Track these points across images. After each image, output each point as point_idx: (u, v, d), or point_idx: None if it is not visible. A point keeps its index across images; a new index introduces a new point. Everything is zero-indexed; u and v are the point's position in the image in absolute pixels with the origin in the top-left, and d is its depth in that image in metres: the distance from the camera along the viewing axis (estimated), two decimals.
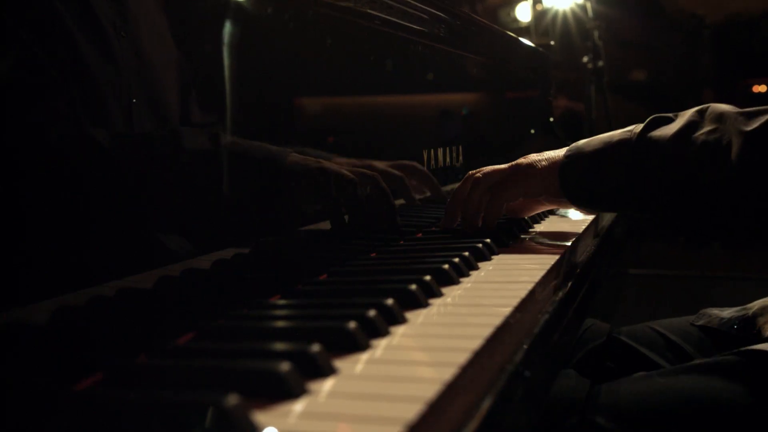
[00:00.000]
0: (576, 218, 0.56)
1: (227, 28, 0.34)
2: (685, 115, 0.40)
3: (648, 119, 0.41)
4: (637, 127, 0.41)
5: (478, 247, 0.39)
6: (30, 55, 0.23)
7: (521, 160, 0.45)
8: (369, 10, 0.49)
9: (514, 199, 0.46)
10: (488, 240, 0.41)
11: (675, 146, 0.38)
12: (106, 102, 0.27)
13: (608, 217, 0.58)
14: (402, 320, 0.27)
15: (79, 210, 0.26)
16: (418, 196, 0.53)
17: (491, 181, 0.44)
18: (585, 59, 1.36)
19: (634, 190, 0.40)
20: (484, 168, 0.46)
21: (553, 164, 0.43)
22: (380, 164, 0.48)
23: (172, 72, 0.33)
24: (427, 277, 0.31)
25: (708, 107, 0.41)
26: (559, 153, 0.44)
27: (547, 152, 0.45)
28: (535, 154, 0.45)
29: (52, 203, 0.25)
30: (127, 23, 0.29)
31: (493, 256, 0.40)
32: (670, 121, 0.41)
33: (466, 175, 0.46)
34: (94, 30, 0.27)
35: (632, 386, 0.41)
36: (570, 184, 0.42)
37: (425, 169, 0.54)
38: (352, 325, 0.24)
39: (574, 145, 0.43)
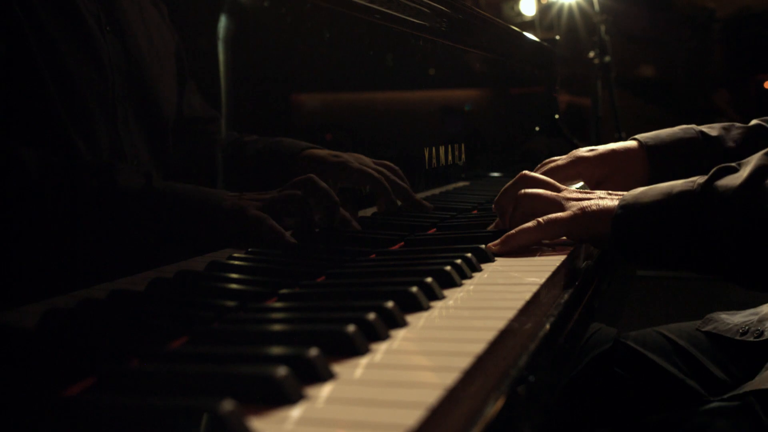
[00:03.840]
0: None
1: (222, 21, 0.34)
2: (752, 161, 0.36)
3: (713, 169, 0.36)
4: (700, 178, 0.37)
5: (480, 248, 0.39)
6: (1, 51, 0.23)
7: (574, 202, 0.39)
8: (369, 4, 0.48)
9: (554, 238, 0.43)
10: (491, 241, 0.40)
11: (744, 195, 0.34)
12: (87, 101, 0.26)
13: None
14: (402, 323, 0.27)
15: (67, 210, 0.25)
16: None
17: (536, 208, 0.40)
18: (591, 54, 1.35)
19: (699, 246, 0.35)
20: (534, 189, 0.41)
21: (605, 212, 0.38)
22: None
23: (164, 68, 0.32)
24: (428, 279, 0.30)
25: None
26: (614, 199, 0.39)
27: (601, 194, 0.40)
28: (585, 194, 0.40)
29: (40, 204, 0.24)
30: (113, 17, 0.28)
31: (496, 258, 0.39)
32: (735, 170, 0.36)
33: (521, 175, 0.43)
34: (74, 24, 0.26)
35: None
36: (624, 239, 0.37)
37: (395, 168, 0.48)
38: (351, 328, 0.24)
39: (629, 194, 0.38)
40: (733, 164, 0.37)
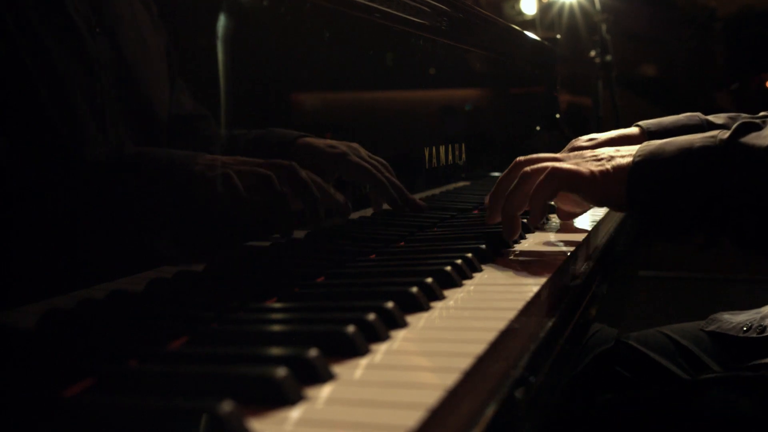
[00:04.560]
0: (584, 218, 0.54)
1: (219, 20, 0.33)
2: None
3: (735, 125, 0.34)
4: (722, 133, 0.34)
5: (481, 248, 0.38)
6: None
7: (587, 162, 0.37)
8: (368, 3, 0.48)
9: (567, 204, 0.41)
10: (492, 241, 0.40)
11: None
12: (76, 101, 0.26)
13: (617, 218, 0.56)
14: (402, 324, 0.27)
15: (65, 209, 0.25)
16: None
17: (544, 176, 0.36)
18: (592, 53, 1.34)
19: (718, 204, 0.33)
20: (536, 158, 0.38)
21: (620, 170, 0.36)
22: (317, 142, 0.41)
23: (154, 68, 0.31)
24: (429, 279, 0.30)
25: None
26: (627, 156, 0.36)
27: (612, 152, 0.37)
28: (600, 152, 0.37)
29: (37, 203, 0.24)
30: (102, 17, 0.28)
31: (496, 258, 0.39)
32: (759, 127, 0.34)
33: (515, 163, 0.39)
34: (63, 24, 0.26)
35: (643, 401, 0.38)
36: (640, 196, 0.35)
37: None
38: (350, 329, 0.24)
39: (644, 147, 0.36)
40: (757, 120, 0.35)
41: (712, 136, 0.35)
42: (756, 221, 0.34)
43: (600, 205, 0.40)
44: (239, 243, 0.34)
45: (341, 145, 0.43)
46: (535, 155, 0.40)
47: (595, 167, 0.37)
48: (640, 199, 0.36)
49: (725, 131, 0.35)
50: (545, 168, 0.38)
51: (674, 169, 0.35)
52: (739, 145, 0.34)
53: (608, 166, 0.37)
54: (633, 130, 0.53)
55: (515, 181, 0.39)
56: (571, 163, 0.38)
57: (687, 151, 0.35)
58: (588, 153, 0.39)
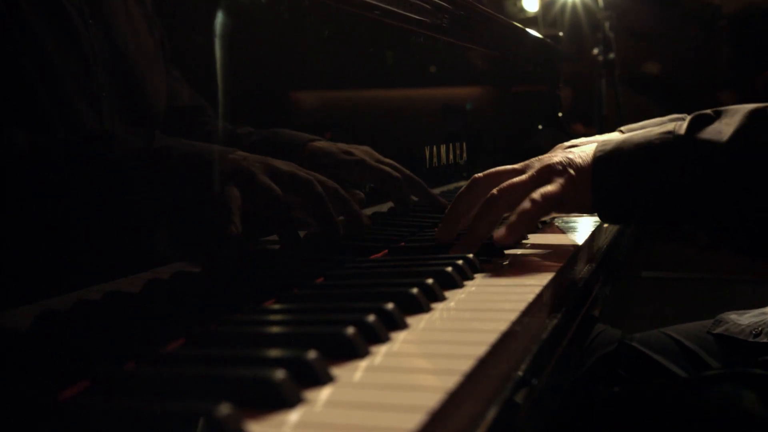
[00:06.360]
0: (586, 219, 0.53)
1: (217, 16, 0.33)
2: (737, 114, 0.34)
3: (689, 118, 0.35)
4: (678, 127, 0.35)
5: (482, 248, 0.38)
6: None
7: (548, 176, 0.36)
8: (369, 0, 0.47)
9: (550, 212, 0.40)
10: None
11: (736, 150, 0.33)
12: (72, 94, 0.26)
13: None
14: (403, 325, 0.26)
15: (60, 209, 0.25)
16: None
17: (511, 200, 0.36)
18: (595, 51, 1.34)
19: (688, 202, 0.34)
20: (496, 174, 0.37)
21: (583, 174, 0.36)
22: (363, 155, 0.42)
23: (149, 60, 0.31)
24: (429, 280, 0.30)
25: (766, 107, 0.34)
26: (585, 158, 0.36)
27: (569, 155, 0.37)
28: (554, 160, 0.37)
29: (32, 202, 0.24)
30: (97, 8, 0.28)
31: (498, 258, 0.39)
32: (712, 119, 0.35)
33: (473, 180, 0.38)
34: (57, 17, 0.26)
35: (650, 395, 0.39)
36: (604, 199, 0.36)
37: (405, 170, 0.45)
38: (350, 330, 0.23)
39: (601, 148, 0.36)
40: (708, 111, 0.35)
41: (668, 132, 0.35)
42: (724, 216, 0.34)
43: (574, 212, 0.41)
44: (238, 243, 0.34)
45: (357, 151, 0.42)
46: (493, 170, 0.39)
47: (563, 181, 0.37)
48: (607, 204, 0.37)
49: (680, 123, 0.35)
50: (513, 188, 0.37)
51: (634, 170, 0.35)
52: (697, 140, 0.34)
53: (571, 171, 0.37)
54: (614, 135, 0.52)
55: (483, 204, 0.38)
56: (542, 182, 0.37)
57: (645, 148, 0.35)
58: (545, 161, 0.38)
